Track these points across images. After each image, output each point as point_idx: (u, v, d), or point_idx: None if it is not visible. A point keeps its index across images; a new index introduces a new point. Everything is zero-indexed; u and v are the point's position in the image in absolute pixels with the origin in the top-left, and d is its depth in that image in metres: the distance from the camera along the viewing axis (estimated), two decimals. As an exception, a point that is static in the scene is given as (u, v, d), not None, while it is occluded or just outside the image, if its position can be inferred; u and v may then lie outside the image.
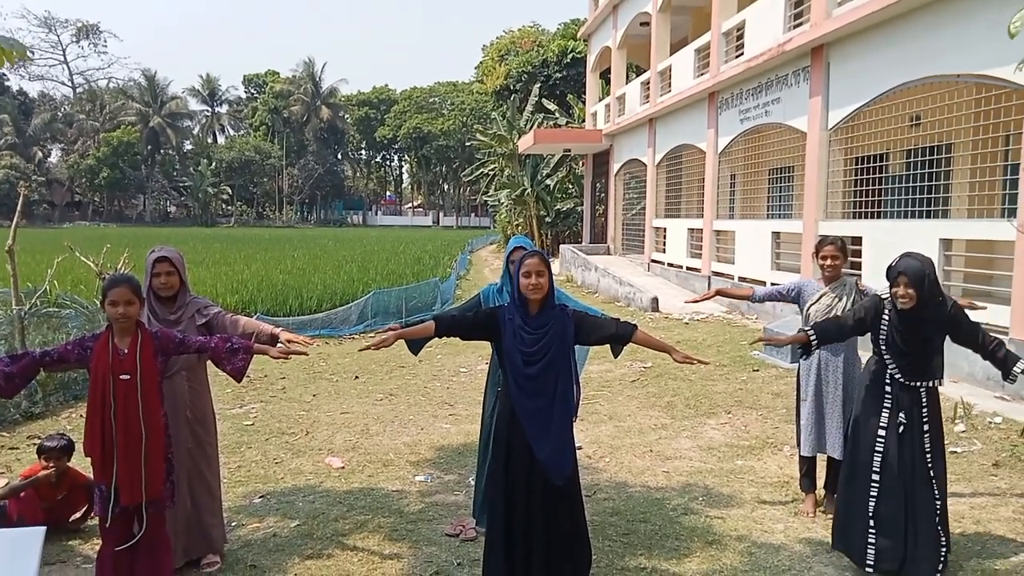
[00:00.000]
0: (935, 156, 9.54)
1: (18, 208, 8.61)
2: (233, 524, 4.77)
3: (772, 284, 5.02)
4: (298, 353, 3.80)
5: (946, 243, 8.62)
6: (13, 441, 6.65)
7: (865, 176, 10.58)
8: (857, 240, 10.15)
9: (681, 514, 4.84)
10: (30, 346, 8.09)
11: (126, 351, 3.47)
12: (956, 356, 7.97)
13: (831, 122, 11.01)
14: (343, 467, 6.00)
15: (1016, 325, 7.40)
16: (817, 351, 4.44)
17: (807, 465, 4.85)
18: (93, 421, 3.46)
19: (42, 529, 1.76)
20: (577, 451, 6.15)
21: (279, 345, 3.94)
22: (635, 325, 3.75)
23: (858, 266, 9.76)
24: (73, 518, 4.73)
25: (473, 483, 5.50)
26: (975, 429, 6.26)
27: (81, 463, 4.90)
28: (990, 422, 6.38)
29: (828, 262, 4.70)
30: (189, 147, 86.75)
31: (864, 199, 10.62)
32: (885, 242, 9.65)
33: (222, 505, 4.38)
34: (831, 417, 4.72)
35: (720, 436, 6.61)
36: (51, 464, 4.60)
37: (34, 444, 5.27)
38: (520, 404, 3.60)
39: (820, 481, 4.91)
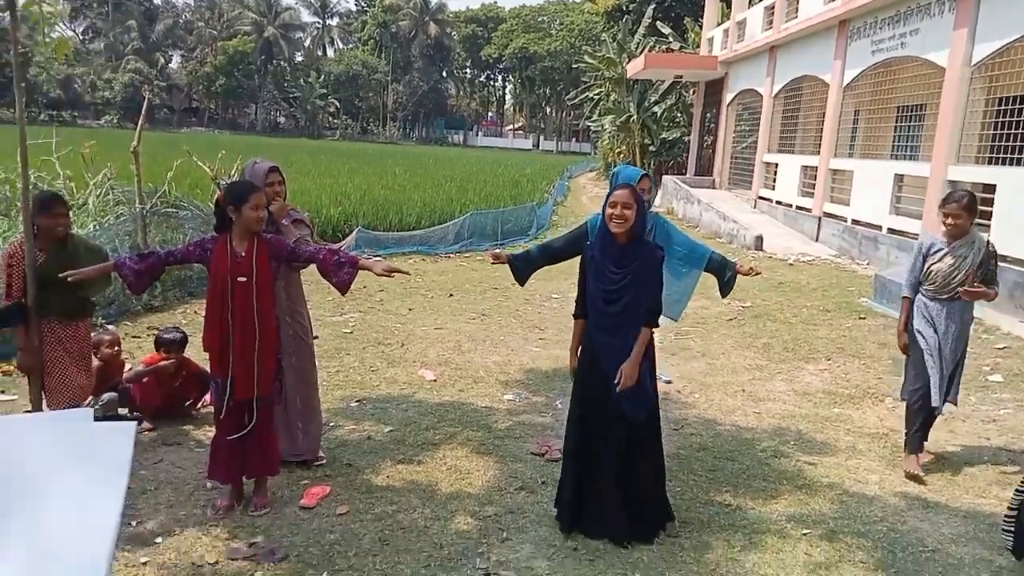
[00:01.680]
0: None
1: (142, 112, 9.03)
2: (331, 424, 5.01)
3: (907, 276, 4.68)
4: (400, 272, 3.87)
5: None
6: (135, 331, 7.16)
7: (1009, 119, 9.70)
8: (990, 188, 9.41)
9: (771, 456, 4.76)
10: (151, 242, 8.60)
11: (243, 255, 3.62)
12: None
13: (976, 57, 10.08)
14: (435, 380, 6.18)
15: None
16: (939, 303, 4.45)
17: (916, 418, 4.55)
18: (212, 318, 3.66)
19: (133, 424, 1.90)
20: (666, 384, 6.16)
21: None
22: (651, 325, 3.59)
23: (988, 216, 9.07)
24: (187, 404, 5.08)
25: (560, 406, 5.59)
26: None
27: (197, 356, 5.23)
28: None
29: (949, 220, 4.43)
30: (300, 59, 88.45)
31: (1004, 143, 9.76)
32: (1021, 192, 8.91)
33: (320, 406, 4.59)
34: (950, 372, 4.54)
35: (818, 382, 6.41)
36: (170, 355, 4.92)
37: (153, 334, 5.64)
38: (599, 341, 3.59)
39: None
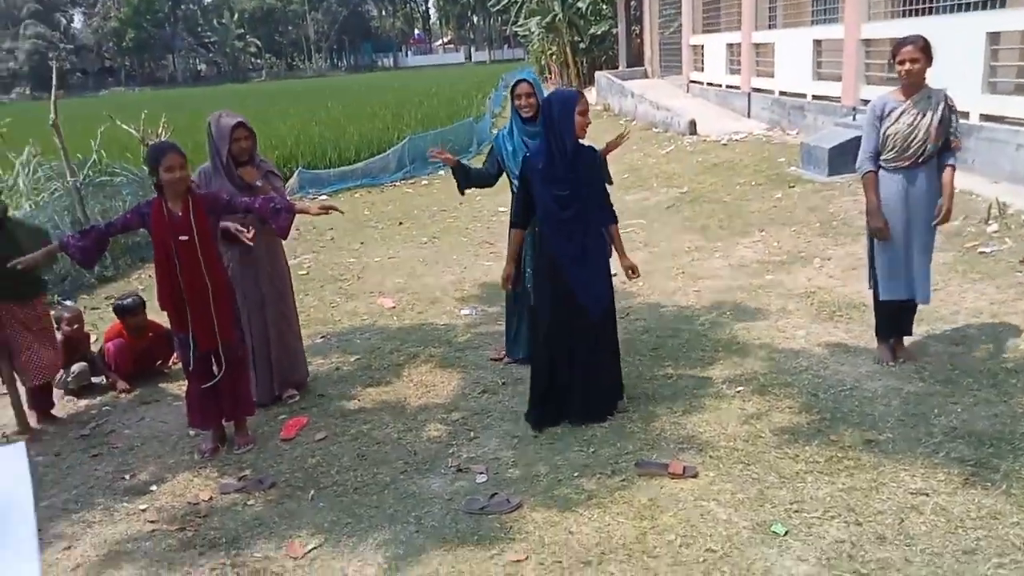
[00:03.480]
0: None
1: (53, 82, 8.79)
2: (299, 362, 5.27)
3: (864, 147, 4.15)
4: (335, 209, 4.08)
5: (993, 37, 8.18)
6: (93, 302, 7.26)
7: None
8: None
9: (709, 328, 5.16)
10: (90, 215, 8.57)
11: (180, 214, 3.77)
12: (997, 155, 7.86)
13: (877, -89, 10.17)
14: (394, 306, 6.44)
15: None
16: (902, 173, 4.03)
17: (891, 310, 4.26)
18: (162, 279, 3.83)
19: (22, 444, 1.88)
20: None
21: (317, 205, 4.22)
22: (616, 219, 4.03)
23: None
24: (159, 363, 5.29)
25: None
26: (1008, 228, 6.30)
27: (158, 316, 5.40)
28: (1024, 221, 6.41)
29: (906, 67, 3.93)
30: (209, 0, 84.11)
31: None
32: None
33: (303, 344, 4.85)
34: (920, 252, 4.14)
35: (752, 254, 6.80)
36: (131, 322, 5.08)
37: (111, 304, 5.78)
38: (557, 245, 3.83)
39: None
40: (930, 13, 9.74)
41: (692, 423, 3.88)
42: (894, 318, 4.31)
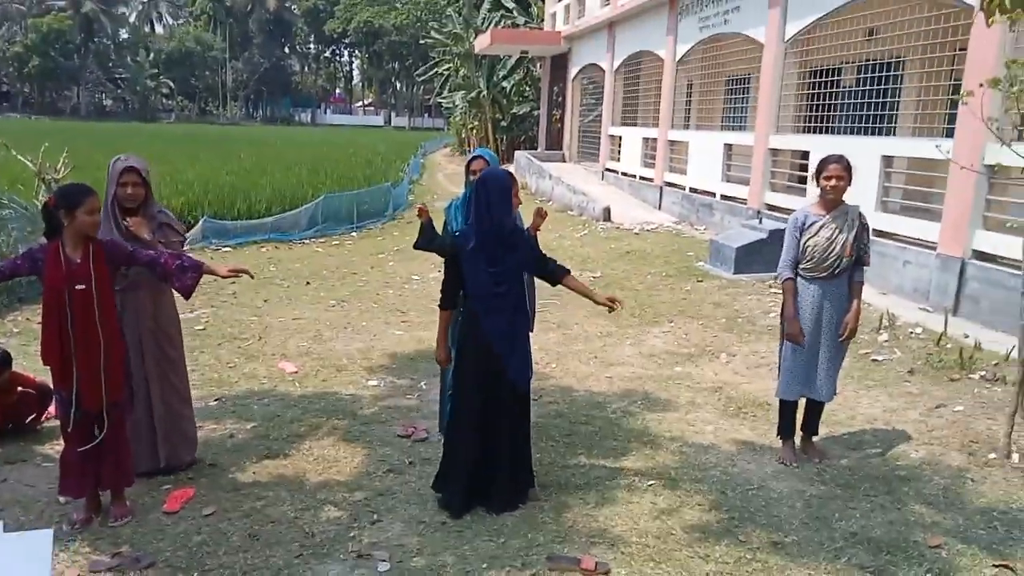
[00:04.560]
0: (887, 73, 9.66)
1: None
2: (190, 426, 4.91)
3: (784, 256, 4.30)
4: (245, 272, 3.89)
5: (887, 160, 8.88)
6: (-40, 344, 6.61)
7: (818, 91, 10.70)
8: (805, 155, 10.37)
9: (621, 416, 5.15)
10: (-30, 247, 7.91)
11: (79, 261, 3.49)
12: (887, 269, 8.40)
13: (788, 33, 11.02)
14: (297, 372, 6.15)
15: (944, 240, 7.77)
16: (818, 284, 4.17)
17: (790, 410, 4.43)
18: (50, 331, 3.50)
19: (50, 532, 1.85)
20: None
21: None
22: (568, 270, 3.98)
23: (804, 180, 10.01)
24: (29, 419, 4.81)
25: (425, 387, 5.75)
26: (897, 339, 6.68)
27: (35, 368, 4.95)
28: (911, 332, 6.81)
29: (832, 183, 4.11)
30: (125, 36, 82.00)
31: (816, 113, 10.77)
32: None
33: (193, 410, 4.50)
34: (829, 359, 4.28)
35: (662, 344, 6.93)
36: None
37: (-16, 348, 5.27)
38: (489, 323, 3.74)
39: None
40: (832, 132, 10.52)
41: (604, 516, 3.80)
42: (794, 419, 4.44)
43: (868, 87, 9.85)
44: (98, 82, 78.78)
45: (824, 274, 4.18)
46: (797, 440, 4.50)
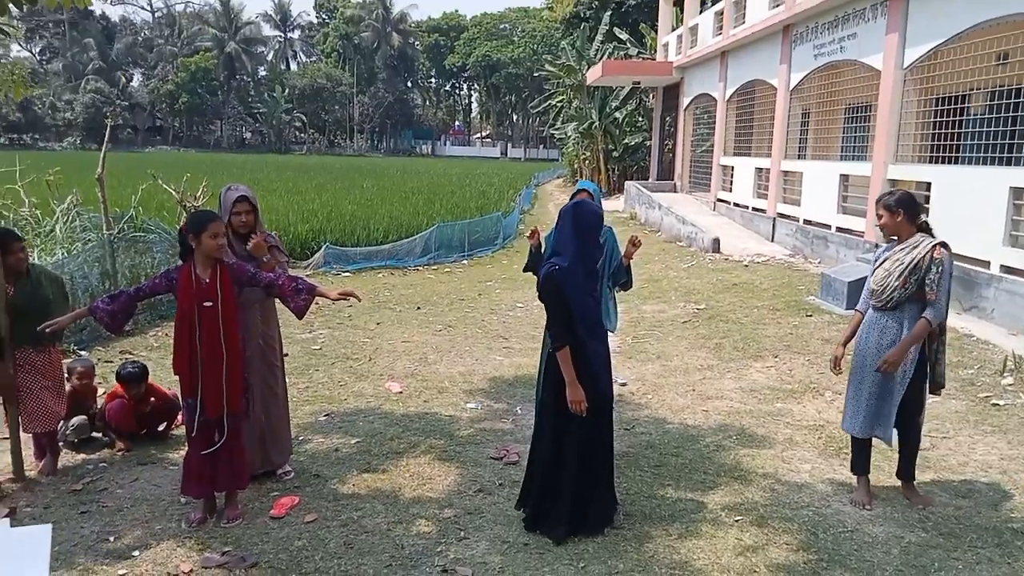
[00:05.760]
0: (1022, 99, 9.08)
1: (106, 137, 9.20)
2: (300, 438, 5.26)
3: (865, 288, 4.37)
4: (354, 296, 4.19)
5: (1017, 192, 8.35)
6: (108, 355, 7.33)
7: (943, 119, 10.20)
8: (928, 187, 9.90)
9: (713, 450, 5.10)
10: (119, 268, 8.77)
11: (207, 281, 3.88)
12: (1018, 308, 7.88)
13: (907, 60, 10.59)
14: (401, 392, 6.45)
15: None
16: (879, 315, 4.16)
17: (859, 446, 4.35)
18: (181, 343, 3.91)
19: (48, 527, 1.93)
20: (622, 387, 6.50)
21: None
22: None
23: (925, 213, 9.54)
24: (161, 427, 5.30)
25: (521, 412, 5.90)
26: (1023, 383, 6.26)
27: (168, 379, 5.46)
28: (1040, 376, 6.36)
29: (877, 221, 4.27)
30: (263, 73, 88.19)
31: (939, 143, 10.27)
32: (953, 190, 9.40)
33: (290, 421, 4.85)
34: (878, 396, 4.21)
35: (764, 379, 6.78)
36: (131, 389, 5.09)
37: (126, 359, 5.86)
38: (593, 350, 3.79)
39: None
40: (957, 162, 10.00)
41: (687, 548, 3.80)
42: (864, 455, 4.36)
43: (998, 114, 9.32)
44: (239, 116, 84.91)
45: (880, 305, 4.18)
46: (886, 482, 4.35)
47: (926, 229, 4.19)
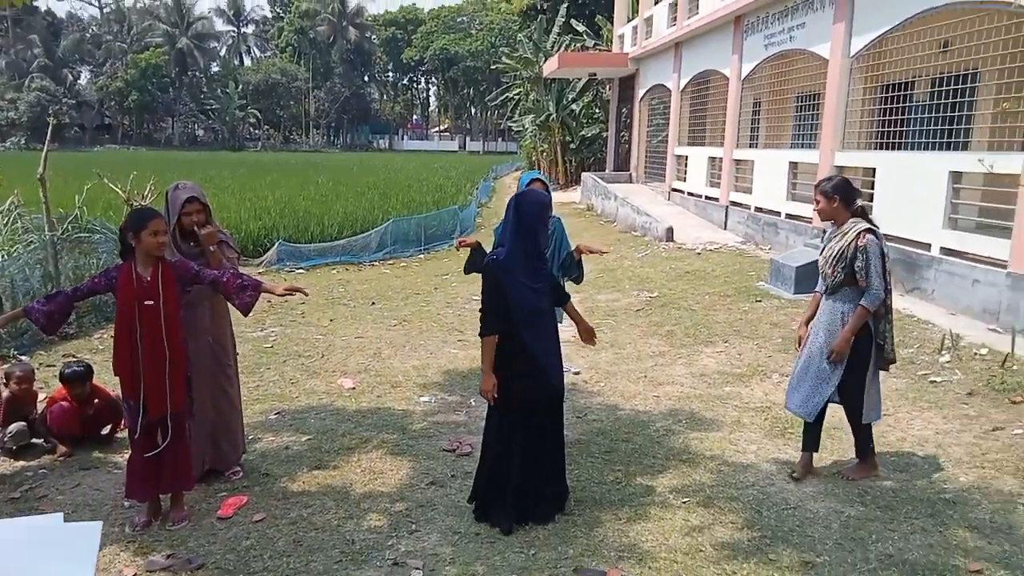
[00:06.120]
0: (962, 86, 9.31)
1: (47, 136, 8.96)
2: (251, 438, 5.19)
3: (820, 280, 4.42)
4: (300, 291, 4.16)
5: (956, 176, 8.59)
6: (50, 359, 7.16)
7: (887, 106, 10.44)
8: (872, 172, 10.13)
9: (663, 435, 5.17)
10: (62, 269, 8.56)
11: (148, 279, 3.81)
12: (956, 288, 8.12)
13: (853, 49, 10.82)
14: (354, 388, 6.41)
15: (1016, 259, 7.46)
16: (824, 297, 4.31)
17: (808, 425, 4.45)
18: (121, 343, 3.83)
19: (99, 524, 2.01)
20: (575, 376, 6.55)
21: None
22: (569, 295, 4.23)
23: (871, 198, 9.77)
24: (104, 431, 5.19)
25: (475, 404, 5.91)
26: (959, 360, 6.45)
27: (111, 379, 5.34)
28: (976, 353, 6.56)
29: (816, 207, 4.34)
30: (216, 69, 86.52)
31: (884, 129, 10.51)
32: (897, 175, 9.64)
33: (243, 420, 4.79)
34: (814, 378, 4.32)
35: (714, 363, 6.89)
36: (74, 390, 4.98)
37: (69, 361, 5.71)
38: (538, 346, 3.82)
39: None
40: (901, 148, 10.25)
41: (635, 531, 3.85)
42: (810, 431, 4.45)
43: (941, 101, 9.56)
44: (191, 113, 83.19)
45: (824, 288, 4.33)
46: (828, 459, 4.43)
47: (861, 214, 4.28)
